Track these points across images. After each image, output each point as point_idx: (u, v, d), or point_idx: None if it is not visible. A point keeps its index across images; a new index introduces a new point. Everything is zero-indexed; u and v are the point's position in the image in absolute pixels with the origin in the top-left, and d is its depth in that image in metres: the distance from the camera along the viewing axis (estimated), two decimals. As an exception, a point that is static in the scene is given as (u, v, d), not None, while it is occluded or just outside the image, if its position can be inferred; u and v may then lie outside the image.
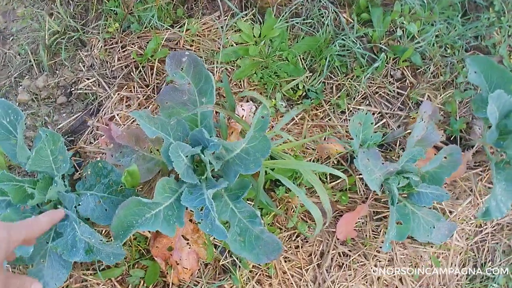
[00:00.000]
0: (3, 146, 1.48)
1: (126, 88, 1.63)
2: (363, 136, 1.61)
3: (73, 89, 1.70)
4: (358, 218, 1.64)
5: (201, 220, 1.30)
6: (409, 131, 1.67)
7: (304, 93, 1.72)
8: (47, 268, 1.47)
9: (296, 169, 1.51)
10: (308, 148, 1.64)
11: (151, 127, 1.34)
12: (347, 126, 1.69)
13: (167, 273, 1.50)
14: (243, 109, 1.53)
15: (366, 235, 1.64)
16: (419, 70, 1.82)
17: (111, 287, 1.53)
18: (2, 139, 1.47)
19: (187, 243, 1.49)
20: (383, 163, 1.52)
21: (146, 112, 1.35)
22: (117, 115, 1.56)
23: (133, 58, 1.67)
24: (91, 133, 1.59)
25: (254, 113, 1.56)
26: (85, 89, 1.68)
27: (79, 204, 1.44)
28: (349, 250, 1.61)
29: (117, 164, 1.44)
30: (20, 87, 1.74)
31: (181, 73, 1.36)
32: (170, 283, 1.51)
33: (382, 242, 1.63)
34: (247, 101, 1.63)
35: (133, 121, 1.58)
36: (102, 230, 1.54)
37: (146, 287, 1.51)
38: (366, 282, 1.60)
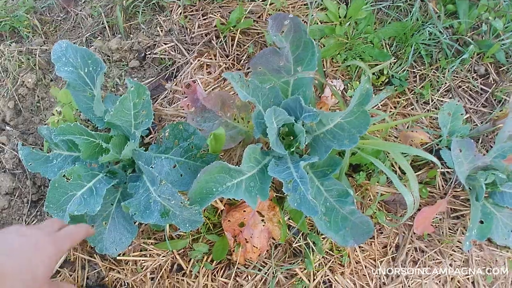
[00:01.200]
0: (77, 98, 1.36)
1: (206, 56, 1.51)
2: (451, 127, 1.48)
3: (148, 53, 1.59)
4: (436, 214, 1.50)
5: (290, 193, 1.16)
6: (495, 127, 1.53)
7: (387, 80, 1.59)
8: (108, 232, 1.34)
9: (382, 151, 1.38)
10: (390, 136, 1.51)
11: (243, 91, 1.22)
12: (430, 117, 1.56)
13: (233, 251, 1.36)
14: (334, 85, 1.40)
15: (442, 232, 1.49)
16: (502, 69, 1.69)
17: (172, 260, 1.40)
18: (78, 90, 1.35)
19: (262, 220, 1.35)
20: (475, 155, 1.38)
21: (240, 74, 1.23)
22: (199, 79, 1.44)
23: (214, 26, 1.56)
24: (166, 97, 1.47)
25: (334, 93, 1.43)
26: (162, 53, 1.56)
27: (152, 167, 1.32)
28: (426, 246, 1.46)
29: (198, 128, 1.32)
30: (92, 47, 1.64)
31: (280, 36, 1.24)
32: (236, 262, 1.37)
33: (459, 242, 1.48)
34: (332, 80, 1.51)
35: (214, 88, 1.46)
36: (170, 198, 1.41)
37: (211, 262, 1.37)
38: (440, 281, 1.44)
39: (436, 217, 1.50)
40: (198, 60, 1.49)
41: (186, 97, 1.36)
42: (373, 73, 1.58)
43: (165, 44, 1.56)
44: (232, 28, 1.55)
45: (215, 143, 1.22)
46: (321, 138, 1.26)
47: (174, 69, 1.53)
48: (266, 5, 1.60)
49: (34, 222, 1.47)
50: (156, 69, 1.57)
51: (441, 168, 1.52)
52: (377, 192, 1.46)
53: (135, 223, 1.33)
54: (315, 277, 1.36)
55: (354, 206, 1.20)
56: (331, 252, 1.39)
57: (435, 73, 1.62)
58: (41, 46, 1.64)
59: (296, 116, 1.25)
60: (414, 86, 1.60)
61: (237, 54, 1.54)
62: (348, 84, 1.52)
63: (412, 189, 1.28)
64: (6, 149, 1.50)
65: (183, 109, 1.39)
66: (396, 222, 1.46)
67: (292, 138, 1.33)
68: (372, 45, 1.59)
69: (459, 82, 1.64)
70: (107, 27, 1.65)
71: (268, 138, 1.31)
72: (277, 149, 1.21)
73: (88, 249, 1.44)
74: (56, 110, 1.42)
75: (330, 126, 1.23)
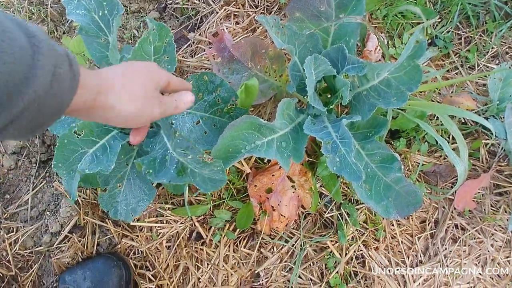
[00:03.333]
0: (90, 45, 1.14)
1: (233, 5, 1.29)
2: (501, 93, 1.27)
3: (169, 2, 1.37)
4: (478, 189, 1.29)
5: (329, 154, 0.96)
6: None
7: (430, 40, 1.37)
8: (123, 194, 1.15)
9: (426, 117, 1.17)
10: (433, 101, 1.30)
11: (278, 38, 1.00)
12: (477, 82, 1.34)
13: (258, 219, 1.17)
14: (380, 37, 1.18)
15: (484, 209, 1.29)
16: (552, 37, 1.46)
17: (191, 227, 1.20)
18: (91, 36, 1.14)
19: (292, 186, 1.15)
20: (532, 124, 1.17)
21: (275, 18, 1.01)
22: (226, 28, 1.22)
23: (242, -26, 1.33)
24: (189, 48, 1.26)
25: (381, 45, 1.21)
26: (184, 3, 1.34)
27: (172, 123, 1.11)
28: (467, 223, 1.26)
29: (225, 81, 1.11)
30: (108, -4, 1.41)
31: (323, -25, 1.02)
32: (261, 232, 1.18)
33: (501, 220, 1.28)
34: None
35: (243, 39, 1.24)
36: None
37: (233, 231, 1.18)
38: (479, 262, 1.25)
39: (478, 193, 1.30)
40: (225, 9, 1.27)
41: (211, 46, 1.14)
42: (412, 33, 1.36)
43: (187, -8, 1.34)
44: (262, -23, 1.33)
45: (246, 96, 1.02)
46: (364, 95, 1.05)
47: (197, 20, 1.31)
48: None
49: (43, 184, 1.28)
50: (178, 20, 1.36)
51: (486, 139, 1.31)
52: (417, 162, 1.25)
53: (153, 184, 1.13)
54: (347, 252, 1.16)
55: (400, 174, 1.00)
56: (365, 225, 1.20)
57: (481, 36, 1.40)
58: (52, -6, 1.42)
59: (337, 69, 1.04)
60: (459, 49, 1.38)
61: (267, 5, 1.32)
62: (389, 42, 1.30)
63: (461, 158, 1.07)
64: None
65: (208, 60, 1.18)
66: (437, 194, 1.26)
67: (330, 96, 1.12)
68: (415, 1, 1.36)
69: (507, 48, 1.42)
70: (124, -25, 1.43)
71: (303, 96, 1.11)
72: (316, 104, 1.00)
73: (100, 213, 1.25)
74: (67, 60, 1.21)
75: (375, 82, 1.02)
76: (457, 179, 1.28)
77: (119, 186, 1.15)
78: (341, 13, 1.07)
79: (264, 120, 1.11)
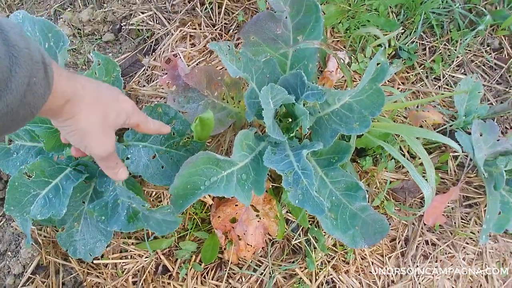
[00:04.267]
0: (38, 78, 1.06)
1: (190, 25, 1.21)
2: (467, 107, 1.23)
3: (123, 24, 1.28)
4: (447, 203, 1.25)
5: (290, 187, 0.90)
6: (514, 106, 1.27)
7: (394, 52, 1.32)
8: (80, 234, 1.08)
9: (391, 134, 1.12)
10: (398, 115, 1.25)
11: (233, 65, 0.93)
12: (442, 94, 1.29)
13: (225, 249, 1.11)
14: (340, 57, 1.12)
15: (455, 223, 1.25)
16: (517, 41, 1.42)
17: (156, 261, 1.14)
18: (38, 70, 1.05)
19: (257, 215, 1.09)
20: (498, 140, 1.13)
21: (229, 45, 0.94)
22: (181, 53, 1.14)
23: (198, -9, 1.25)
24: (144, 75, 1.18)
25: (341, 68, 1.15)
26: (139, 24, 1.26)
27: (127, 158, 1.04)
28: (437, 239, 1.22)
29: (180, 111, 1.03)
30: (61, 20, 1.32)
31: (277, -1, 0.95)
32: (228, 261, 1.12)
33: (472, 233, 1.25)
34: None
35: (199, 62, 1.16)
36: (152, 192, 1.14)
37: (200, 263, 1.12)
38: (452, 277, 1.22)
39: (448, 206, 1.26)
40: (180, 30, 1.19)
41: (166, 73, 1.07)
42: (379, 45, 1.30)
43: (143, 13, 1.26)
44: (219, -6, 1.25)
45: (201, 128, 0.95)
46: (326, 120, 0.99)
47: (152, 42, 1.23)
48: (257, -32, 1.29)
49: (2, 222, 1.20)
50: (133, 42, 1.27)
51: (454, 152, 1.27)
52: (385, 180, 1.20)
53: (109, 223, 1.06)
54: (317, 277, 1.12)
55: (365, 202, 0.95)
56: (334, 248, 1.15)
57: (446, 45, 1.35)
58: None
59: (296, 95, 0.98)
60: (424, 60, 1.33)
61: (225, 23, 1.25)
62: (352, 57, 1.24)
63: (428, 178, 1.03)
64: (-39, 138, 1.20)
65: (163, 88, 1.10)
66: (406, 212, 1.21)
67: (291, 120, 1.06)
68: (377, 13, 1.30)
69: (472, 56, 1.37)
70: (76, -4, 1.33)
71: (263, 121, 1.04)
72: (275, 134, 0.94)
73: (62, 251, 1.17)
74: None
75: (336, 107, 0.96)
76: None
77: (76, 225, 1.08)
78: (299, 35, 1.00)
79: (224, 150, 1.04)
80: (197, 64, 1.14)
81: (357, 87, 0.90)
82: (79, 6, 1.35)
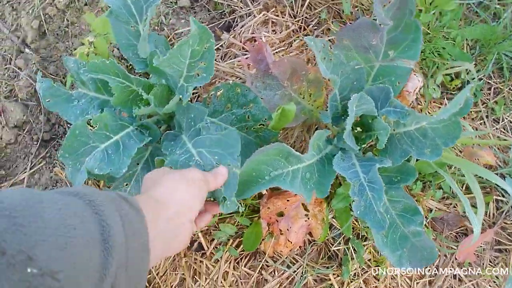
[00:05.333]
0: (117, 30, 1.05)
1: (273, 11, 1.21)
2: (522, 153, 1.25)
3: (205, -5, 1.27)
4: (480, 243, 1.29)
5: (356, 198, 0.91)
6: None
7: (460, 85, 1.33)
8: (129, 194, 1.07)
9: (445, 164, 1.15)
10: (454, 148, 1.27)
11: (323, 64, 0.94)
12: (498, 137, 1.32)
13: (263, 240, 1.12)
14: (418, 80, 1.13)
15: (483, 264, 1.28)
16: None
17: (193, 236, 1.14)
18: (120, 21, 1.04)
19: (306, 215, 1.10)
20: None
21: (324, 43, 0.95)
22: (263, 37, 1.14)
23: (287, -21, 1.25)
24: (220, 50, 1.17)
25: (418, 91, 1.17)
26: (221, -2, 1.25)
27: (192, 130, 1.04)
28: (464, 275, 1.25)
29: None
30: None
31: (383, 10, 0.96)
32: (264, 253, 1.13)
33: (497, 277, 1.28)
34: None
35: (279, 51, 1.16)
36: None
37: (236, 247, 1.13)
38: (469, 314, 1.25)
39: (480, 246, 1.29)
40: (264, 14, 1.18)
41: (246, 54, 1.07)
42: (447, 74, 1.32)
43: (227, -12, 1.25)
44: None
45: (280, 119, 0.96)
46: (397, 139, 1.01)
47: (232, 19, 1.22)
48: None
49: (42, 164, 1.19)
50: (209, 14, 1.27)
51: (497, 195, 1.30)
52: (428, 207, 1.23)
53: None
54: (348, 287, 1.13)
55: (421, 228, 0.97)
56: (369, 262, 1.17)
57: (510, 90, 1.37)
58: (80, -40, 1.29)
59: (376, 108, 0.98)
60: (487, 99, 1.35)
61: (306, 17, 1.25)
62: (423, 81, 1.26)
63: (478, 216, 1.06)
64: (22, 75, 1.19)
65: (240, 68, 1.10)
66: (441, 245, 1.24)
67: (361, 131, 1.07)
68: (453, 42, 1.32)
69: (533, 105, 1.40)
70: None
71: (336, 126, 1.05)
72: (349, 142, 0.95)
73: (99, 206, 1.17)
74: (88, 40, 1.11)
75: (411, 129, 0.98)
76: (462, 229, 1.28)
77: (126, 185, 1.08)
78: (390, 50, 1.01)
79: (289, 144, 1.05)
80: (277, 52, 1.14)
81: (437, 115, 0.91)
82: (161, -34, 1.34)
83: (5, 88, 1.22)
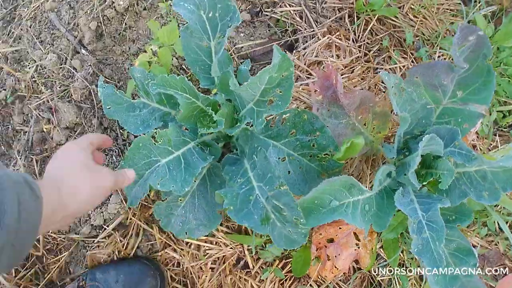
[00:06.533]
0: (187, 44, 1.05)
1: (337, 35, 1.21)
2: None
3: (267, 10, 1.27)
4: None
5: (414, 235, 0.94)
6: None
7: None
8: (183, 210, 1.10)
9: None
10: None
11: (394, 100, 0.96)
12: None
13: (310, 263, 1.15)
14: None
15: (517, 300, 1.32)
16: None
17: (239, 254, 1.17)
18: (192, 36, 1.04)
19: (356, 244, 1.13)
20: None
21: (398, 79, 0.96)
22: (327, 61, 1.15)
23: (351, 2, 1.25)
24: (282, 71, 1.18)
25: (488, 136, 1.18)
26: (284, 16, 1.25)
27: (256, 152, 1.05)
28: (500, 311, 1.29)
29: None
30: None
31: (459, 51, 0.97)
32: (308, 276, 1.16)
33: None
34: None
35: (342, 76, 1.17)
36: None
37: (282, 268, 1.15)
38: None
39: (517, 283, 1.32)
40: (328, 37, 1.19)
41: (311, 78, 1.08)
42: (500, 111, 1.34)
43: (290, 6, 1.25)
44: (369, 10, 1.25)
45: (347, 151, 0.97)
46: (456, 179, 1.03)
47: (295, 39, 1.23)
48: (412, -3, 1.30)
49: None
50: (269, 30, 1.27)
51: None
52: (474, 245, 1.25)
53: (220, 212, 1.08)
54: (388, 317, 1.17)
55: (473, 269, 0.99)
56: (410, 295, 1.20)
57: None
58: (143, -37, 1.29)
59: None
60: (538, 138, 1.37)
61: (368, 43, 1.26)
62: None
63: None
64: (78, 76, 1.19)
65: (306, 92, 1.11)
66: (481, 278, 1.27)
67: (421, 167, 1.08)
68: (509, 79, 1.33)
69: None
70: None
71: (395, 158, 1.07)
72: (413, 181, 0.97)
73: (147, 216, 1.19)
74: (151, 49, 1.12)
75: (471, 170, 1.00)
76: (502, 266, 1.31)
77: (180, 200, 1.09)
78: (459, 90, 1.03)
79: (349, 172, 1.07)
80: (341, 78, 1.15)
81: (500, 161, 0.93)
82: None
83: (59, 87, 1.22)
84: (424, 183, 1.04)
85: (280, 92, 0.92)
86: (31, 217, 0.56)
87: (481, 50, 0.99)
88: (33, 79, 1.25)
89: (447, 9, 1.35)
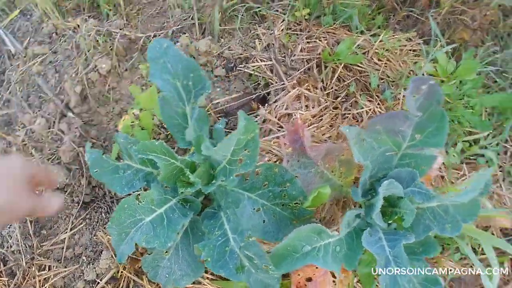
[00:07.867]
0: (165, 112, 1.16)
1: (306, 86, 1.33)
2: (537, 220, 1.37)
3: (240, 65, 1.39)
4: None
5: (382, 271, 1.04)
6: None
7: (479, 151, 1.46)
8: (167, 262, 1.19)
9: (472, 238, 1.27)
10: (472, 213, 1.39)
11: (356, 149, 1.07)
12: (514, 200, 1.44)
13: (291, 302, 1.24)
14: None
15: (497, 321, 1.40)
16: None
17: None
18: (168, 103, 1.15)
19: (333, 281, 1.22)
20: None
21: (358, 131, 1.07)
22: (296, 114, 1.26)
23: (318, 53, 1.37)
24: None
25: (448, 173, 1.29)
26: (256, 70, 1.37)
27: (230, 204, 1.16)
28: (480, 334, 1.37)
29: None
30: (178, 43, 1.42)
31: (414, 101, 1.08)
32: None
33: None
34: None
35: (310, 127, 1.28)
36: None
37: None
38: None
39: (495, 306, 1.41)
40: (298, 89, 1.31)
41: (281, 131, 1.19)
42: (466, 141, 1.44)
43: (262, 60, 1.37)
44: (335, 59, 1.37)
45: (315, 200, 1.07)
46: (419, 214, 1.13)
47: (267, 92, 1.34)
48: (375, 41, 1.42)
49: (82, 225, 1.30)
50: (243, 84, 1.39)
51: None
52: (450, 270, 1.35)
53: (202, 261, 1.18)
54: None
55: (440, 297, 1.09)
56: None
57: (526, 154, 1.50)
58: (121, 29, 1.41)
59: (402, 186, 1.11)
60: (504, 162, 1.47)
61: (335, 90, 1.37)
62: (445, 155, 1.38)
63: (493, 282, 1.18)
64: (66, 139, 1.30)
65: (276, 144, 1.22)
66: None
67: (386, 205, 1.19)
68: (472, 111, 1.44)
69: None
70: (197, 24, 1.43)
71: (364, 201, 1.18)
72: (379, 221, 1.07)
73: (137, 268, 1.28)
74: (133, 113, 1.23)
75: (433, 205, 1.10)
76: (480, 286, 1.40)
77: (166, 253, 1.19)
78: (417, 134, 1.13)
79: (320, 218, 1.18)
80: (309, 129, 1.26)
81: (459, 197, 1.03)
82: (196, 33, 1.46)
83: (49, 150, 1.33)
84: (390, 222, 1.14)
85: (248, 151, 1.03)
86: None
87: (434, 97, 1.09)
88: (24, 142, 1.37)
89: (410, 50, 1.47)
